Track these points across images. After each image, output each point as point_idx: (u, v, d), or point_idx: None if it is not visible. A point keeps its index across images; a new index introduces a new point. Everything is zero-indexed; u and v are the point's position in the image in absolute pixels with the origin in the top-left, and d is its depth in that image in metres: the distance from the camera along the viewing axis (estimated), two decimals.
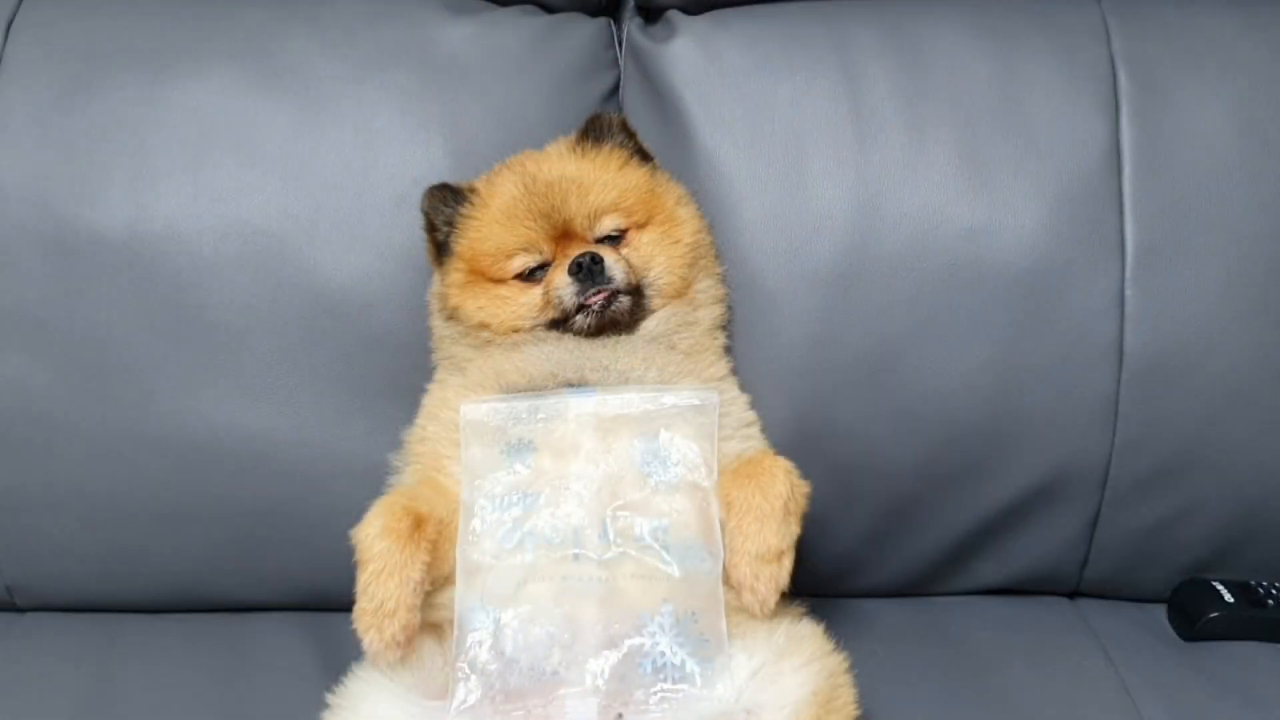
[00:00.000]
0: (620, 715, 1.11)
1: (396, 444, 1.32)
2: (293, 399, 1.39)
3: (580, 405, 1.22)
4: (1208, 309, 1.37)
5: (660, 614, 1.13)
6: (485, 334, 1.30)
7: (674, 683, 1.11)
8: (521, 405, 1.23)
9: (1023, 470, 1.41)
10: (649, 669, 1.11)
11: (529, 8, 1.53)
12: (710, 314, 1.34)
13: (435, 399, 1.30)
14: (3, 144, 1.38)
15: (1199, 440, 1.39)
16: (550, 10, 1.53)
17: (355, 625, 1.12)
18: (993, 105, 1.40)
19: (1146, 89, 1.40)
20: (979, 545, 1.47)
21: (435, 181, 1.32)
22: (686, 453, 1.20)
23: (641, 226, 1.32)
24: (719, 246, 1.39)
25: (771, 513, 1.16)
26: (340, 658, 1.24)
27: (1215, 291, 1.36)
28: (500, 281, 1.30)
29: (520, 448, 1.21)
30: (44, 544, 1.42)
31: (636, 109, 1.49)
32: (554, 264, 1.29)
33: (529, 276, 1.29)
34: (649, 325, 1.29)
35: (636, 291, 1.28)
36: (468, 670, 1.12)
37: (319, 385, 1.39)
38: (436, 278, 1.35)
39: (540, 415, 1.22)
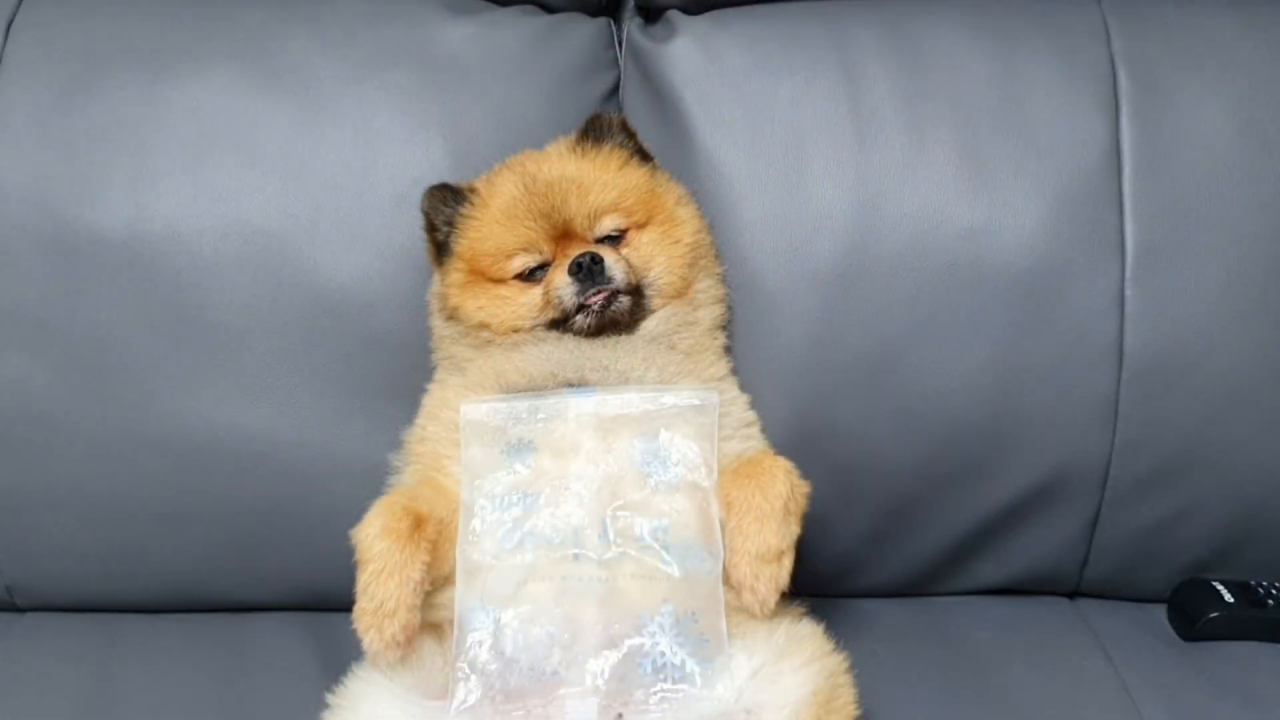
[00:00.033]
0: (620, 715, 1.11)
1: (396, 444, 1.32)
2: (293, 399, 1.39)
3: (580, 405, 1.22)
4: (1208, 309, 1.37)
5: (660, 614, 1.13)
6: (485, 334, 1.30)
7: (674, 683, 1.11)
8: (521, 405, 1.23)
9: (1023, 470, 1.41)
10: (649, 669, 1.11)
11: (529, 8, 1.53)
12: (710, 314, 1.35)
13: (435, 399, 1.30)
14: (3, 144, 1.38)
15: (1199, 440, 1.39)
16: (550, 10, 1.53)
17: (355, 625, 1.12)
18: (993, 105, 1.40)
19: (1146, 89, 1.40)
20: (979, 545, 1.47)
21: (435, 181, 1.32)
22: (686, 453, 1.20)
23: (641, 226, 1.32)
24: (719, 246, 1.39)
25: (771, 513, 1.17)
26: (340, 658, 1.24)
27: (1215, 291, 1.36)
28: (500, 281, 1.30)
29: (520, 448, 1.21)
30: (44, 544, 1.42)
31: (636, 109, 1.49)
32: (554, 264, 1.29)
33: (529, 276, 1.29)
34: (649, 325, 1.29)
35: (636, 291, 1.28)
36: (468, 670, 1.12)
37: (319, 385, 1.39)
38: (436, 278, 1.35)
39: (540, 415, 1.22)
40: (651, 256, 1.31)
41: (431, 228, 1.33)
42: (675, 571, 1.14)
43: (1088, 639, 1.42)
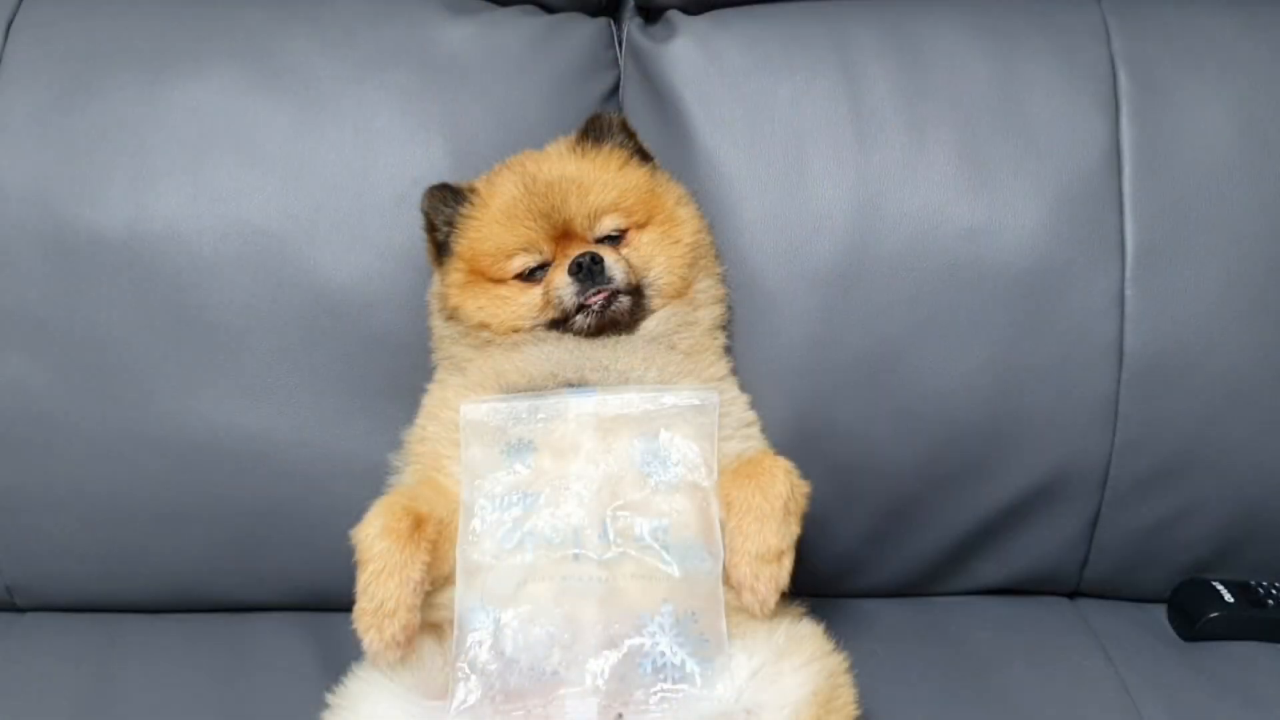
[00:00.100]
0: (620, 715, 1.11)
1: (396, 444, 1.32)
2: (293, 399, 1.39)
3: (580, 405, 1.22)
4: (1208, 309, 1.37)
5: (660, 614, 1.13)
6: (485, 334, 1.30)
7: (674, 683, 1.11)
8: (521, 405, 1.23)
9: (1023, 470, 1.41)
10: (649, 669, 1.11)
11: (529, 8, 1.53)
12: (710, 314, 1.34)
13: (435, 399, 1.30)
14: (3, 144, 1.38)
15: (1199, 440, 1.39)
16: (550, 10, 1.53)
17: (355, 625, 1.12)
18: (993, 105, 1.40)
19: (1146, 89, 1.40)
20: (979, 545, 1.47)
21: (435, 181, 1.32)
22: (686, 453, 1.20)
23: (641, 226, 1.32)
24: (719, 246, 1.39)
25: (771, 513, 1.17)
26: (340, 658, 1.24)
27: (1215, 291, 1.36)
28: (500, 281, 1.30)
29: (520, 448, 1.21)
30: (44, 544, 1.42)
31: (636, 109, 1.49)
32: (554, 264, 1.29)
33: (529, 276, 1.29)
34: (649, 325, 1.29)
35: (636, 291, 1.28)
36: (468, 670, 1.12)
37: (319, 385, 1.39)
38: (436, 278, 1.35)
39: (540, 415, 1.22)
40: (651, 256, 1.31)
41: (431, 228, 1.33)
42: (675, 571, 1.14)
43: (1088, 639, 1.42)
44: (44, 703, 1.33)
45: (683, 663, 1.12)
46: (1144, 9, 1.45)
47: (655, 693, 1.11)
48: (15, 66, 1.41)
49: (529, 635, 1.12)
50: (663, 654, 1.11)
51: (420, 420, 1.30)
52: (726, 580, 1.17)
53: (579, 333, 1.27)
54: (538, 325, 1.28)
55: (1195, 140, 1.38)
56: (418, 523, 1.15)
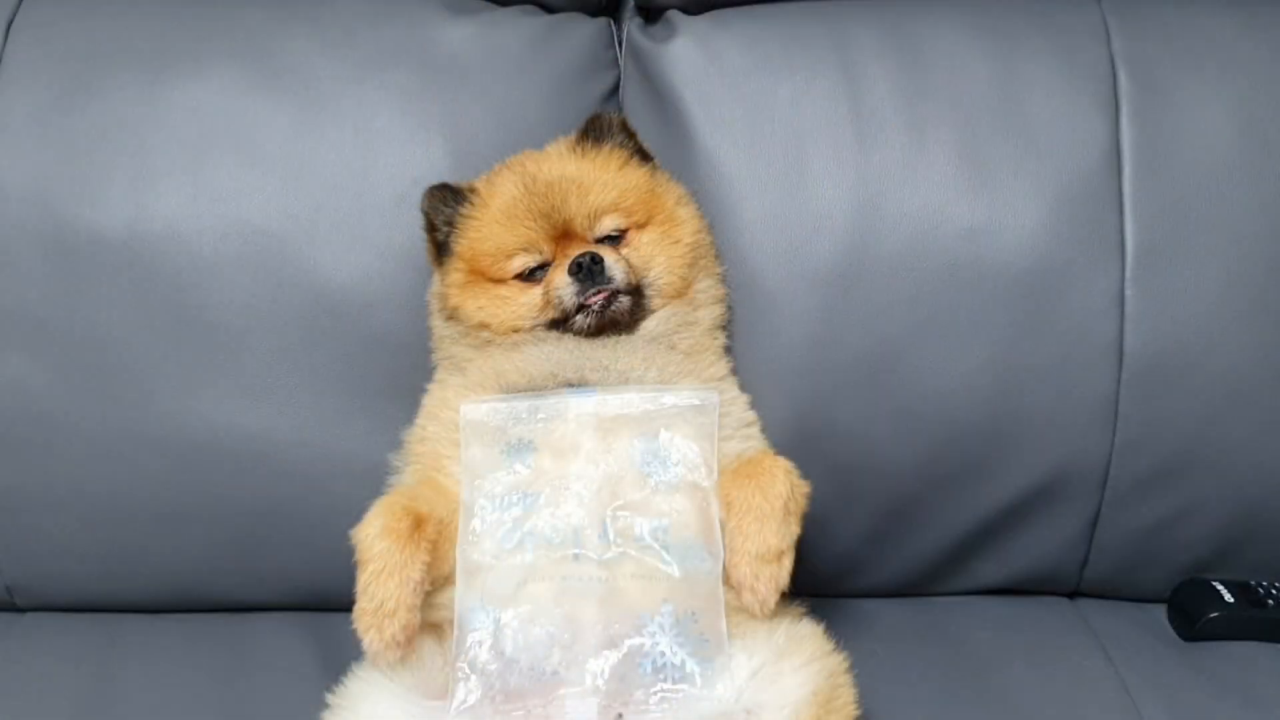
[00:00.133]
0: (620, 715, 1.11)
1: (396, 444, 1.32)
2: (293, 399, 1.39)
3: (580, 405, 1.22)
4: (1208, 309, 1.37)
5: (660, 614, 1.13)
6: (485, 334, 1.30)
7: (674, 683, 1.11)
8: (521, 405, 1.23)
9: (1023, 470, 1.41)
10: (649, 669, 1.11)
11: (529, 8, 1.53)
12: (710, 314, 1.34)
13: (435, 399, 1.30)
14: (3, 144, 1.38)
15: (1199, 440, 1.39)
16: (550, 10, 1.53)
17: (355, 625, 1.12)
18: (993, 105, 1.40)
19: (1146, 89, 1.40)
20: (979, 545, 1.47)
21: (435, 181, 1.32)
22: (686, 453, 1.20)
23: (641, 226, 1.32)
24: (719, 246, 1.39)
25: (771, 513, 1.16)
26: (340, 658, 1.24)
27: (1215, 291, 1.36)
28: (500, 281, 1.30)
29: (520, 448, 1.21)
30: (44, 544, 1.42)
31: (636, 109, 1.49)
32: (554, 264, 1.29)
33: (529, 276, 1.29)
34: (649, 325, 1.29)
35: (636, 291, 1.28)
36: (468, 670, 1.12)
37: (319, 385, 1.39)
38: (436, 278, 1.35)
39: (540, 415, 1.22)
40: (651, 256, 1.31)
41: (431, 228, 1.33)
42: (675, 571, 1.14)
43: (1088, 639, 1.42)
44: (44, 703, 1.33)
45: (683, 663, 1.12)
46: (1144, 9, 1.45)
47: (655, 693, 1.11)
48: (15, 66, 1.41)
49: (529, 635, 1.12)
50: (663, 654, 1.11)
51: (420, 420, 1.30)
52: (726, 580, 1.17)
53: (579, 333, 1.27)
54: (538, 325, 1.28)
55: (1195, 140, 1.38)
56: (418, 523, 1.15)
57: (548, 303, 1.27)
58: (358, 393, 1.40)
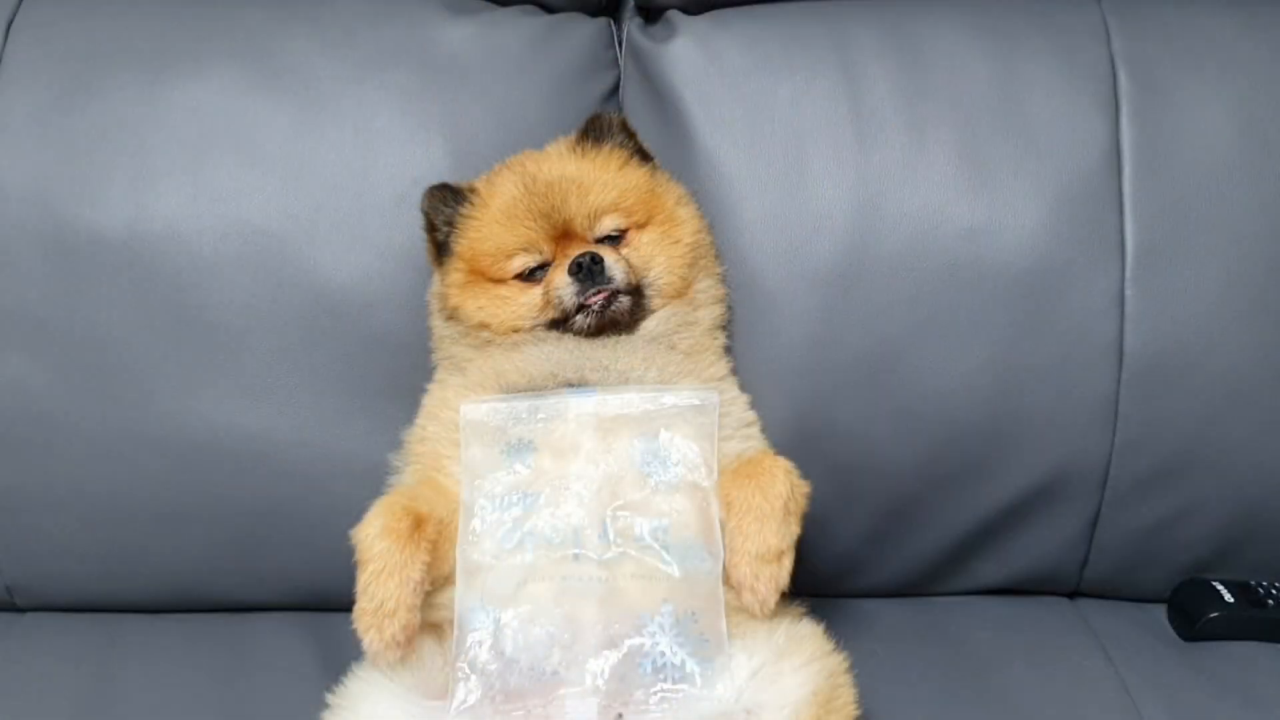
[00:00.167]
0: (620, 715, 1.11)
1: (396, 444, 1.32)
2: (293, 399, 1.39)
3: (580, 405, 1.22)
4: (1208, 309, 1.37)
5: (660, 614, 1.13)
6: (485, 334, 1.30)
7: (674, 683, 1.11)
8: (521, 405, 1.23)
9: (1023, 470, 1.41)
10: (649, 669, 1.11)
11: (529, 8, 1.53)
12: (710, 314, 1.34)
13: (435, 399, 1.30)
14: (3, 144, 1.38)
15: (1199, 440, 1.39)
16: (550, 10, 1.53)
17: (355, 625, 1.12)
18: (993, 105, 1.40)
19: (1146, 89, 1.40)
20: (979, 545, 1.47)
21: (435, 181, 1.32)
22: (686, 453, 1.20)
23: (641, 226, 1.32)
24: (719, 246, 1.39)
25: (771, 513, 1.16)
26: (340, 658, 1.24)
27: (1215, 291, 1.36)
28: (500, 281, 1.30)
29: (520, 448, 1.21)
30: (44, 544, 1.42)
31: (636, 109, 1.49)
32: (554, 264, 1.29)
33: (529, 276, 1.29)
34: (649, 325, 1.29)
35: (636, 291, 1.28)
36: (468, 670, 1.12)
37: (319, 385, 1.39)
38: (436, 278, 1.35)
39: (540, 415, 1.22)
40: (651, 256, 1.31)
41: (431, 228, 1.33)
42: (675, 571, 1.14)
43: (1088, 639, 1.42)
44: (44, 703, 1.33)
45: (683, 663, 1.12)
46: (1144, 9, 1.45)
47: (655, 693, 1.11)
48: (15, 66, 1.41)
49: (529, 635, 1.12)
50: (663, 654, 1.11)
51: (420, 420, 1.30)
52: (726, 580, 1.17)
53: (579, 333, 1.27)
54: (538, 325, 1.28)
55: (1195, 140, 1.38)
56: (418, 523, 1.15)
57: (548, 303, 1.27)
58: (358, 393, 1.40)
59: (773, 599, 1.15)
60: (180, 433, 1.38)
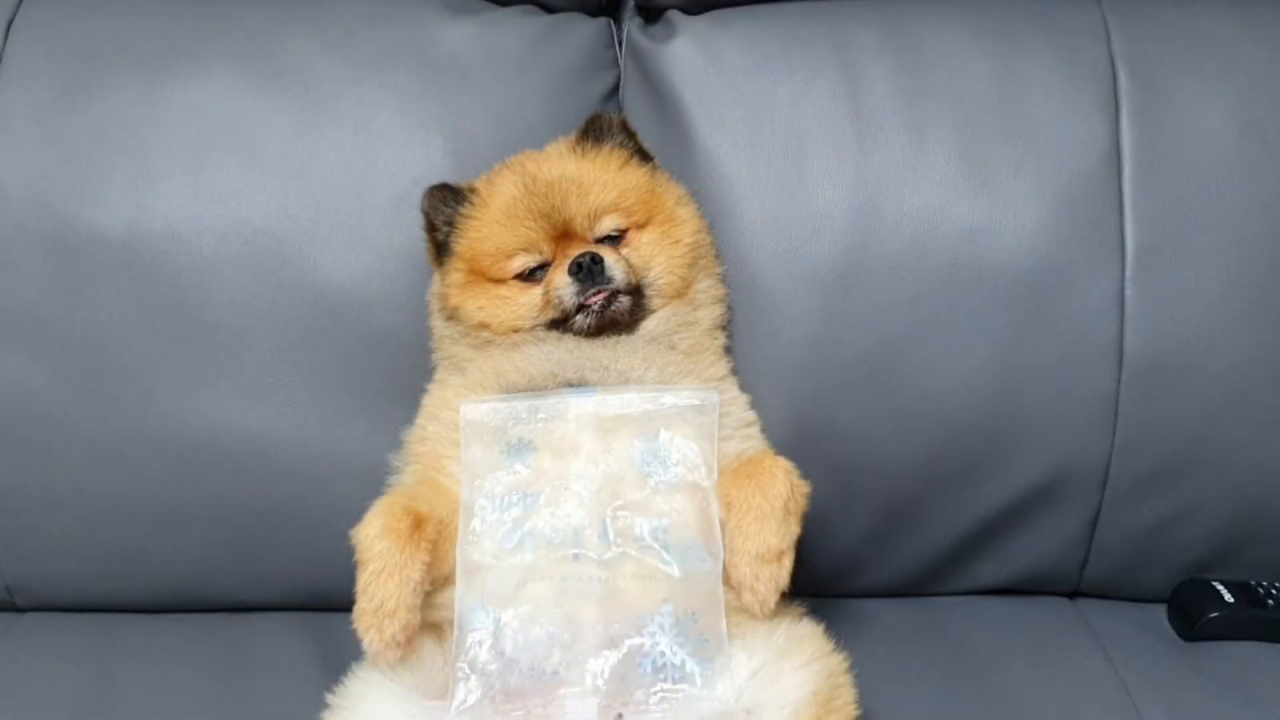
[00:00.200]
0: (620, 715, 1.11)
1: (396, 444, 1.32)
2: (293, 399, 1.39)
3: (580, 405, 1.22)
4: (1208, 309, 1.37)
5: (660, 614, 1.13)
6: (485, 334, 1.30)
7: (674, 683, 1.11)
8: (521, 405, 1.23)
9: (1023, 470, 1.41)
10: (649, 669, 1.11)
11: (529, 8, 1.53)
12: (710, 314, 1.34)
13: (435, 399, 1.30)
14: (3, 144, 1.38)
15: (1199, 440, 1.39)
16: (550, 10, 1.53)
17: (355, 625, 1.12)
18: (993, 105, 1.40)
19: (1146, 89, 1.40)
20: (979, 545, 1.47)
21: (435, 181, 1.32)
22: (686, 453, 1.20)
23: (641, 226, 1.32)
24: (719, 246, 1.39)
25: (771, 513, 1.16)
26: (340, 658, 1.24)
27: (1215, 291, 1.36)
28: (500, 281, 1.30)
29: (520, 448, 1.21)
30: (44, 544, 1.42)
31: (636, 109, 1.49)
32: (554, 264, 1.29)
33: (529, 276, 1.29)
34: (649, 325, 1.29)
35: (636, 291, 1.28)
36: (468, 670, 1.12)
37: (319, 385, 1.39)
38: (436, 278, 1.35)
39: (540, 415, 1.22)
40: (651, 256, 1.31)
41: (431, 228, 1.33)
42: (675, 571, 1.14)
43: (1088, 639, 1.42)
44: (44, 703, 1.33)
45: (683, 663, 1.12)
46: (1144, 9, 1.45)
47: (655, 693, 1.11)
48: (15, 66, 1.41)
49: (529, 635, 1.12)
50: (663, 654, 1.11)
51: (420, 420, 1.30)
52: (726, 580, 1.17)
53: (579, 333, 1.27)
54: (538, 325, 1.28)
55: (1195, 140, 1.38)
56: (418, 523, 1.15)
57: (548, 303, 1.27)
58: (358, 393, 1.40)
59: (773, 599, 1.15)
60: (180, 433, 1.38)
